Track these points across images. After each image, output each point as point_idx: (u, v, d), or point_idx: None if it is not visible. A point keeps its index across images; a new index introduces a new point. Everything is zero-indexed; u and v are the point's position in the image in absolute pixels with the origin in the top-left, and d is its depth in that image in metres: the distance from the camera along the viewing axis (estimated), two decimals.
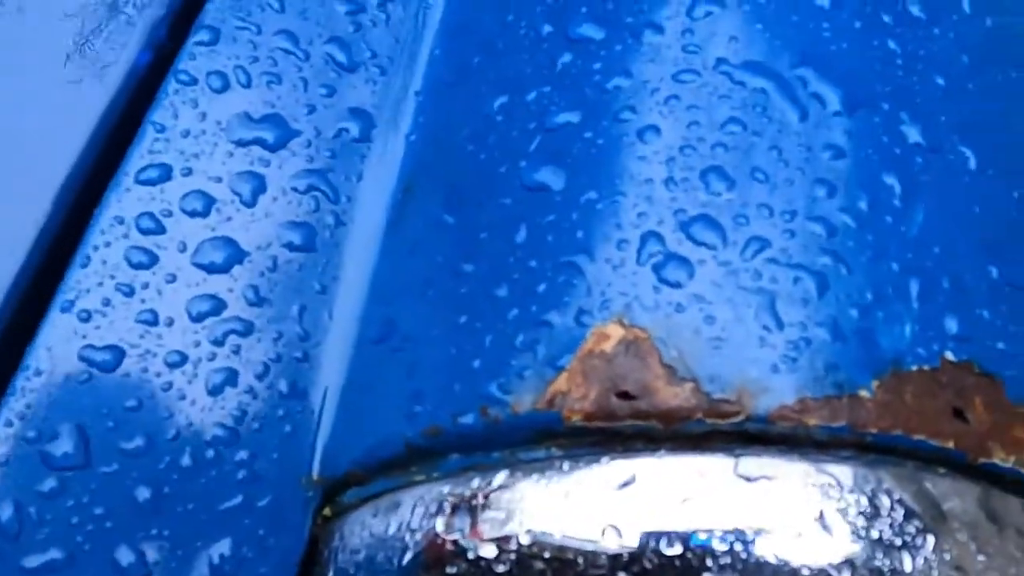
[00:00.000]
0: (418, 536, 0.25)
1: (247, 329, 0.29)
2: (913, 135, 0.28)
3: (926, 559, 0.23)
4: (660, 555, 0.22)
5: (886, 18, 0.30)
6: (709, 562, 0.22)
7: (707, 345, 0.23)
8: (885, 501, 0.22)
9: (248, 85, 0.32)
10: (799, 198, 0.26)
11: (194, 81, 0.31)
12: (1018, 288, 0.26)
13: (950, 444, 0.23)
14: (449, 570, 0.24)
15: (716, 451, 0.22)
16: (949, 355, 0.24)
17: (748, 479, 0.22)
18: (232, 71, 0.32)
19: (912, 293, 0.25)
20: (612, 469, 0.23)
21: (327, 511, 0.30)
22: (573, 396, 0.24)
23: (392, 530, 0.26)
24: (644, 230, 0.25)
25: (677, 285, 0.24)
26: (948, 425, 0.23)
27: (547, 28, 0.31)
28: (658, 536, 0.22)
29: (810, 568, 0.22)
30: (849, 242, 0.25)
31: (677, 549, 0.22)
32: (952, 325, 0.25)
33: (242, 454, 0.28)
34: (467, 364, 0.26)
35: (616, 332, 0.24)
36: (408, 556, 0.25)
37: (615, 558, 0.23)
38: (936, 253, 0.26)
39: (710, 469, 0.22)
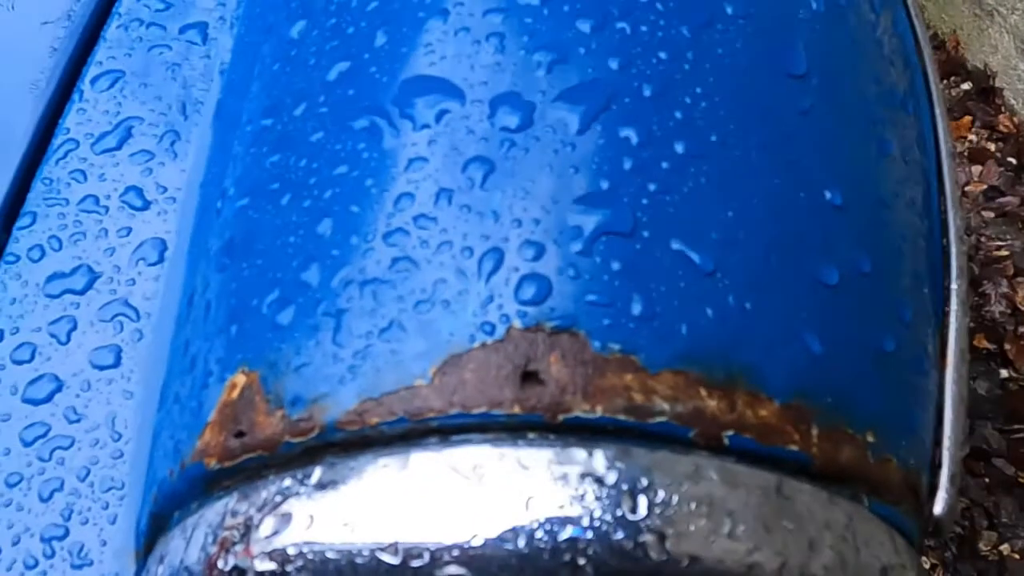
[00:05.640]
0: (196, 568, 0.29)
1: (70, 443, 0.36)
2: (508, 121, 0.28)
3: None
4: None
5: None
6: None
7: (294, 374, 0.26)
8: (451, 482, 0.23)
9: (59, 248, 0.39)
10: (375, 219, 0.27)
11: (18, 258, 0.39)
12: (616, 234, 0.26)
13: (515, 410, 0.23)
14: None
15: (296, 466, 0.24)
16: (517, 323, 0.25)
17: (321, 486, 0.24)
18: (46, 241, 0.40)
19: (482, 272, 0.26)
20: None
21: None
22: (211, 445, 0.27)
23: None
24: (264, 287, 0.29)
25: (279, 327, 0.27)
26: (512, 391, 0.24)
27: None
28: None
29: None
30: (416, 242, 0.26)
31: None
32: (527, 292, 0.25)
33: (75, 545, 0.34)
34: (175, 432, 0.30)
35: (240, 380, 0.27)
36: None
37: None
38: (513, 225, 0.26)
39: (289, 484, 0.24)
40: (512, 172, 0.27)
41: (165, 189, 0.41)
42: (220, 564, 0.25)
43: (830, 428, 0.26)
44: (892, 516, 0.28)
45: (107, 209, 0.40)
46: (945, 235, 0.39)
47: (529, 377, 0.24)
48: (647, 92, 0.29)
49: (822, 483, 0.25)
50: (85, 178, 0.41)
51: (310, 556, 0.23)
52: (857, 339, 0.28)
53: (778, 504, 0.24)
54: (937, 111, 0.44)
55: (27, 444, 0.36)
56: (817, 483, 0.25)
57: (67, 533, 0.34)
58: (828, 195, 0.30)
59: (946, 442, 0.33)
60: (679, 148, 0.28)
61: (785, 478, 0.25)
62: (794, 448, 0.25)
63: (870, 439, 0.27)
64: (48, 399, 0.37)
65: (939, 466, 0.32)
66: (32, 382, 0.37)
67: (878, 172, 0.34)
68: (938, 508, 0.31)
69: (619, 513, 0.22)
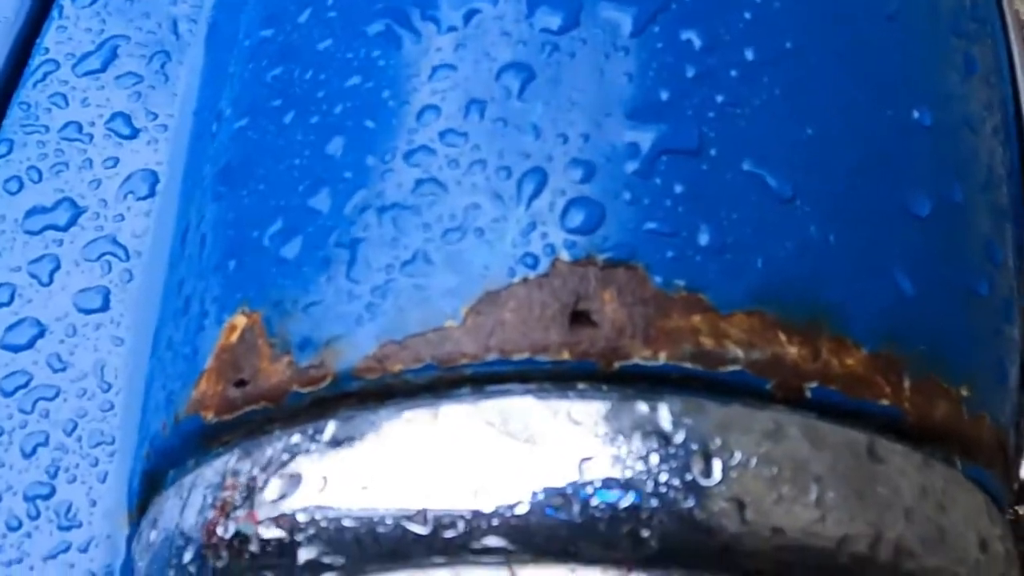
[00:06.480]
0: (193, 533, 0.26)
1: (54, 393, 0.32)
2: (549, 22, 0.24)
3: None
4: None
5: None
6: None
7: (302, 314, 0.22)
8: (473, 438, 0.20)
9: (39, 180, 0.36)
10: (394, 136, 0.24)
11: None
12: (679, 152, 0.22)
13: (564, 355, 0.20)
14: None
15: (305, 419, 0.21)
16: (564, 255, 0.21)
17: (336, 443, 0.21)
18: (25, 172, 0.36)
19: (522, 195, 0.22)
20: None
21: None
22: (208, 395, 0.24)
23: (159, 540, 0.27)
24: (266, 216, 0.25)
25: (284, 261, 0.24)
26: (559, 334, 0.20)
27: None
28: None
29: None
30: (443, 161, 0.23)
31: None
32: (575, 219, 0.21)
33: (61, 504, 0.31)
34: (168, 381, 0.27)
35: (240, 321, 0.24)
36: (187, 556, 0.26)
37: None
38: (557, 141, 0.22)
39: (299, 441, 0.21)
40: (555, 80, 0.23)
41: (155, 116, 0.37)
42: (219, 531, 0.22)
43: (923, 380, 0.22)
44: (983, 479, 0.24)
45: (91, 137, 0.36)
46: None
47: (579, 317, 0.20)
48: None
49: (914, 443, 0.22)
50: (67, 103, 0.37)
51: (323, 524, 0.20)
52: (950, 280, 0.25)
53: (870, 467, 0.20)
54: (1012, 36, 0.39)
55: (7, 394, 0.32)
56: (908, 443, 0.22)
57: (53, 492, 0.31)
58: (916, 113, 0.26)
59: None
60: (749, 54, 0.24)
61: (876, 437, 0.21)
62: (885, 403, 0.22)
63: (964, 393, 0.24)
64: (29, 345, 0.33)
65: None
66: (11, 327, 0.33)
67: (967, 92, 0.29)
68: None
69: (689, 477, 0.19)
